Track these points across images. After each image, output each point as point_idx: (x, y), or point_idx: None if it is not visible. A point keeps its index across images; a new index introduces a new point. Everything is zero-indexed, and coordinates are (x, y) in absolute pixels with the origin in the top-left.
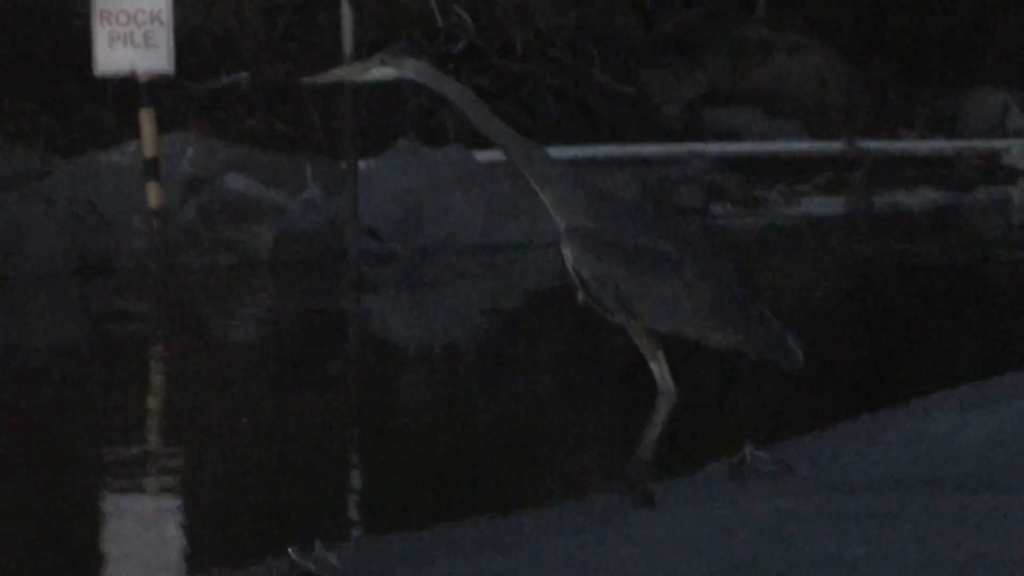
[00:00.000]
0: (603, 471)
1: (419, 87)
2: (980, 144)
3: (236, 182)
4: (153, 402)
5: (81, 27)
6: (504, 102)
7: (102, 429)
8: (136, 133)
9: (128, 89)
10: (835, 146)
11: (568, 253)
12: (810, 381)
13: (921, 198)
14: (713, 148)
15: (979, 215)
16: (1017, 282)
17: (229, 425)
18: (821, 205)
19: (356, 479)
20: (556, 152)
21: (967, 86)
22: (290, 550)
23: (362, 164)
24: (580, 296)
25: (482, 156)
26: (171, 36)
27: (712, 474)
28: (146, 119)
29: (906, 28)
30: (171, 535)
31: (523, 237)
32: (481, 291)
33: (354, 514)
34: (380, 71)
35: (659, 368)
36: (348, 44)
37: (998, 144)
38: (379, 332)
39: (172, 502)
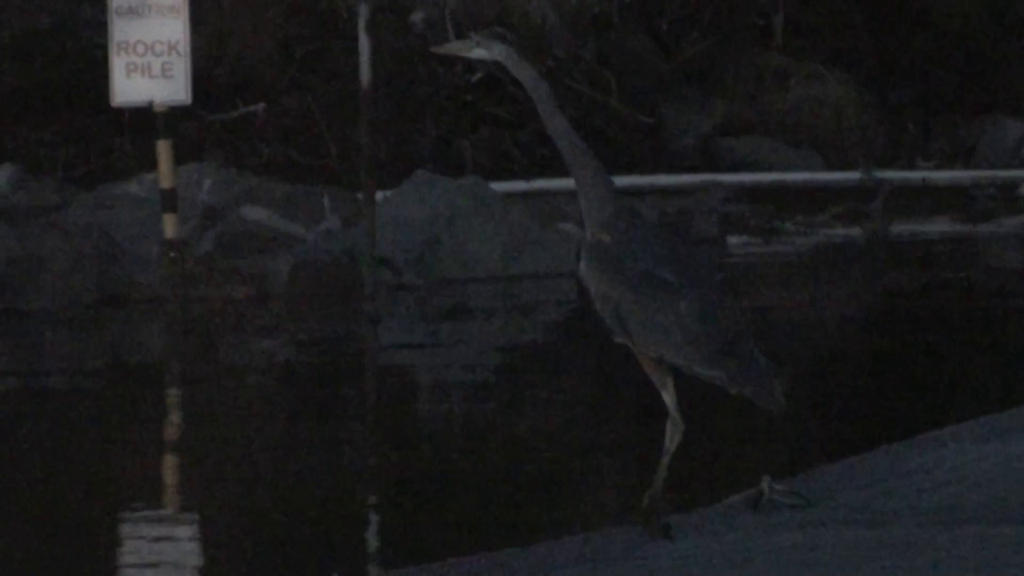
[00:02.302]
0: (621, 502)
1: (437, 118)
2: (997, 174)
3: (253, 213)
4: (169, 434)
5: (99, 58)
6: (521, 132)
7: (119, 460)
8: (153, 164)
9: (145, 120)
10: (852, 176)
11: (582, 266)
12: (827, 412)
13: (938, 228)
14: (730, 178)
15: (996, 245)
16: None
17: (245, 457)
18: (838, 235)
19: (373, 511)
20: (572, 183)
21: (984, 115)
22: None
23: (379, 195)
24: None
25: (499, 187)
26: (188, 67)
27: (730, 506)
28: (163, 150)
29: (924, 58)
30: (187, 568)
31: (540, 268)
32: (498, 322)
33: (371, 546)
34: (478, 51)
35: (669, 396)
36: (365, 74)
37: (1015, 174)
38: (396, 363)
39: (188, 534)
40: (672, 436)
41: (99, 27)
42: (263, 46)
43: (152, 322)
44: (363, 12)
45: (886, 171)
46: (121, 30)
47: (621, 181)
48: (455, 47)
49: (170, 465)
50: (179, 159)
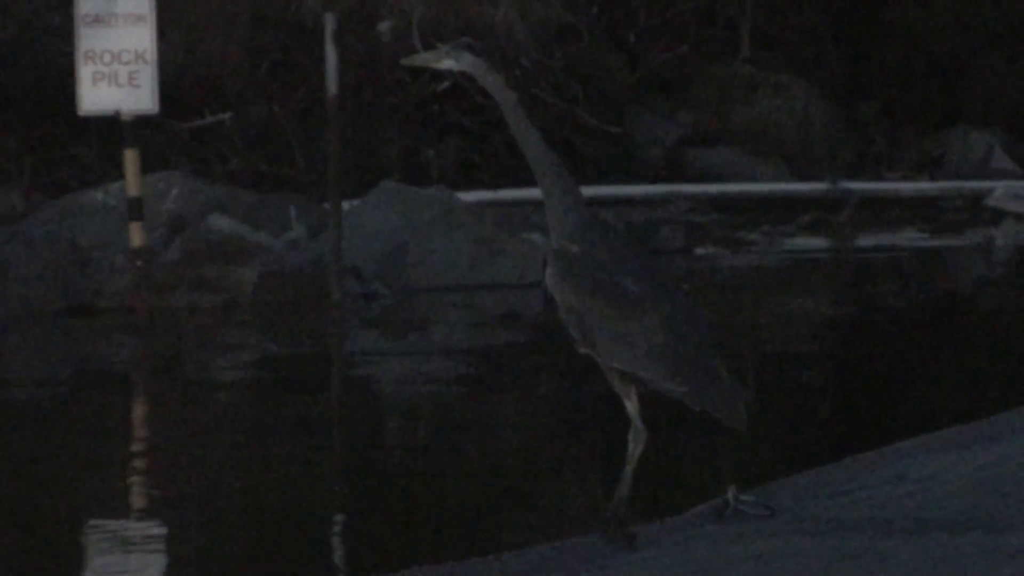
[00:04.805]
0: (587, 512)
1: (403, 128)
2: (964, 185)
3: (220, 222)
4: (136, 444)
5: (65, 66)
6: (488, 142)
7: (84, 471)
8: (120, 172)
9: (112, 129)
10: (819, 187)
11: (548, 275)
12: (794, 423)
13: (905, 239)
14: (696, 189)
15: (963, 257)
16: (999, 324)
17: (212, 466)
18: (804, 246)
19: (340, 521)
20: (539, 193)
21: (951, 127)
22: None
23: (346, 204)
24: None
25: (466, 196)
26: (155, 76)
27: (696, 516)
28: (130, 159)
29: (891, 69)
30: None
31: (507, 277)
32: (464, 331)
33: (338, 556)
34: (447, 62)
35: (632, 406)
36: (332, 84)
37: (982, 185)
38: (362, 372)
39: (155, 546)
40: (635, 446)
41: (66, 36)
42: (230, 56)
43: (118, 331)
44: (330, 22)
45: (853, 182)
46: (88, 39)
47: (588, 191)
48: (424, 58)
49: (136, 475)
50: (146, 168)
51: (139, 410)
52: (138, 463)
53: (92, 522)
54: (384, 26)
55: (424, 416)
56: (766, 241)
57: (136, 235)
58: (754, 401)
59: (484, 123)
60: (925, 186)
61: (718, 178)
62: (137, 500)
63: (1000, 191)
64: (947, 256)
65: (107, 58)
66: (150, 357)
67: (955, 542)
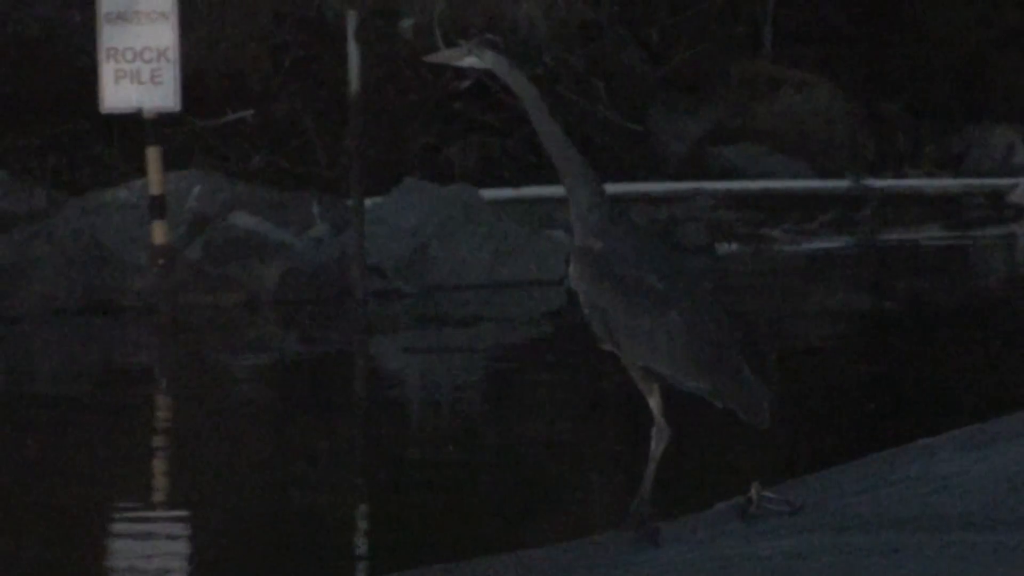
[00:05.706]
0: (611, 509)
1: (425, 125)
2: (986, 182)
3: (242, 220)
4: (158, 442)
5: (87, 64)
6: (510, 139)
7: (107, 469)
8: (142, 170)
9: (134, 126)
10: (841, 184)
11: (571, 272)
12: (817, 420)
13: (927, 236)
14: (719, 186)
15: (985, 254)
16: (1022, 320)
17: (234, 464)
18: (827, 243)
19: (363, 518)
20: (561, 190)
21: (973, 124)
22: None
23: (368, 202)
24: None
25: (488, 194)
26: (177, 73)
27: (719, 513)
28: (152, 156)
29: (912, 66)
30: (176, 573)
31: (529, 275)
32: (487, 329)
33: (361, 553)
34: (469, 59)
35: (655, 403)
36: (354, 81)
37: (1004, 182)
38: (385, 370)
39: (177, 540)
40: (658, 443)
41: (88, 33)
42: (252, 53)
43: (141, 329)
44: (352, 19)
45: (875, 179)
46: (110, 36)
47: (610, 188)
48: (446, 55)
49: (158, 472)
50: (168, 165)
51: (161, 408)
52: (159, 461)
53: (113, 515)
54: (406, 23)
55: (447, 413)
56: (788, 238)
57: (158, 233)
58: (776, 399)
59: (506, 120)
60: (947, 183)
61: (741, 175)
62: (158, 496)
63: (1022, 188)
64: (970, 253)
65: (129, 56)
66: (172, 355)
67: (978, 540)
